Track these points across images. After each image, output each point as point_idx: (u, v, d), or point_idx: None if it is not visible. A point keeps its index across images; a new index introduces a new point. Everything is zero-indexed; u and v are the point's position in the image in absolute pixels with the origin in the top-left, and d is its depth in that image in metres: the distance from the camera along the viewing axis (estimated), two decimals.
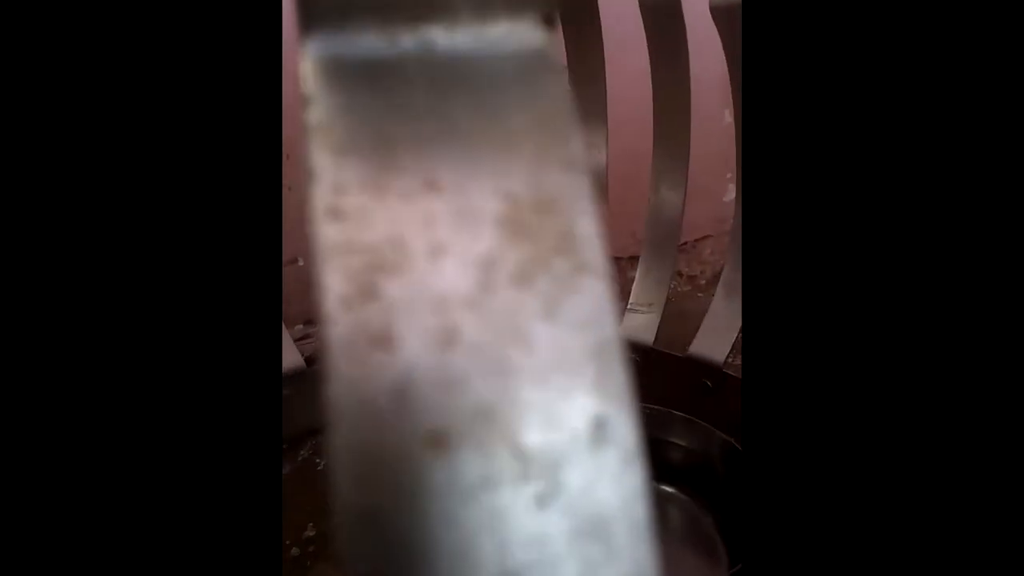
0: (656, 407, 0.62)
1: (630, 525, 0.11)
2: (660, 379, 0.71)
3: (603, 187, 0.75)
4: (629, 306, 0.75)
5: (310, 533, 0.60)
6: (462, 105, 0.12)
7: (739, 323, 0.68)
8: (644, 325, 0.73)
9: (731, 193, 0.72)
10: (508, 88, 0.12)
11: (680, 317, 0.88)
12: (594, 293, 0.11)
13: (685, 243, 0.98)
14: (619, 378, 0.11)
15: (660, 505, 0.61)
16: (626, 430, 0.11)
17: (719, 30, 0.62)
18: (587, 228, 0.12)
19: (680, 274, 0.96)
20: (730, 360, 0.79)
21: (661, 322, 0.81)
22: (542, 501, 0.11)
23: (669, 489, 0.61)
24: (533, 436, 0.11)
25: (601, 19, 0.70)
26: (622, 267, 0.97)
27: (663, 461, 0.61)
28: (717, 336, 0.69)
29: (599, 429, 0.11)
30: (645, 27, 0.68)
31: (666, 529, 0.60)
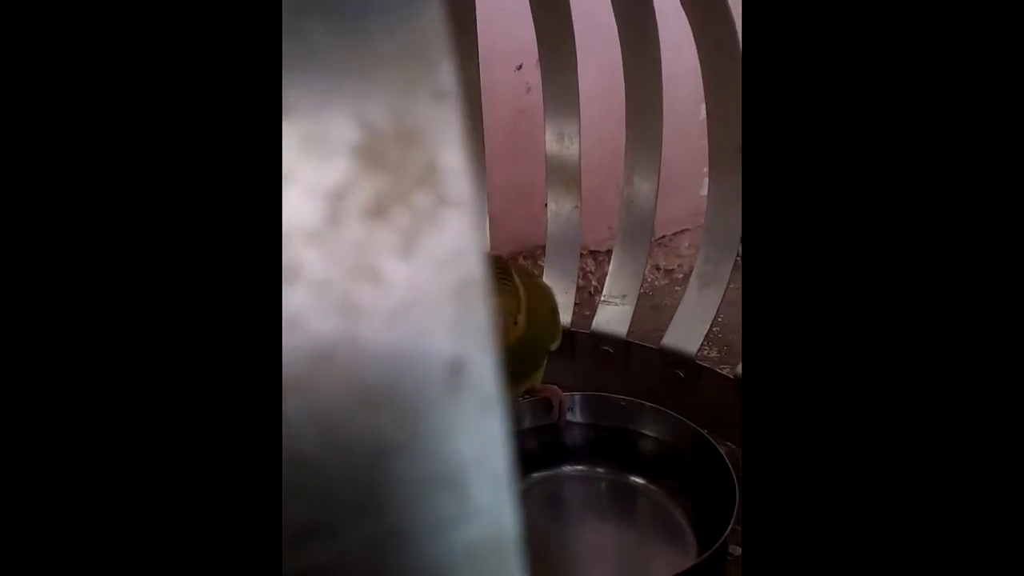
0: (627, 397, 0.62)
1: (488, 477, 0.10)
2: (633, 371, 0.71)
3: (576, 178, 0.75)
4: (603, 298, 0.74)
5: None
6: (322, 29, 0.11)
7: (712, 315, 0.68)
8: (617, 317, 0.72)
9: (707, 187, 0.72)
10: (374, 13, 0.11)
11: (657, 311, 0.87)
12: (457, 229, 0.11)
13: (662, 237, 0.97)
14: (480, 319, 0.10)
15: (630, 495, 0.60)
16: (485, 375, 0.10)
17: (688, 17, 0.62)
18: (453, 161, 0.11)
19: (657, 268, 0.95)
20: (704, 352, 0.78)
21: (638, 315, 0.81)
22: (389, 451, 0.10)
23: (639, 479, 0.61)
24: (379, 380, 0.10)
25: (578, 11, 0.69)
26: (599, 261, 0.96)
27: (633, 451, 0.61)
28: (690, 328, 0.68)
29: (455, 373, 0.10)
30: (615, 12, 0.67)
31: (635, 519, 0.59)
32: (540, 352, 0.56)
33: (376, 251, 0.10)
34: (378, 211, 0.10)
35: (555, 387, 0.60)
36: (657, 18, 0.65)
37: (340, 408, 0.10)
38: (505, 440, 0.10)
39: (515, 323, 0.49)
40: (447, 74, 0.11)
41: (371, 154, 0.11)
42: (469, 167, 0.11)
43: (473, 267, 0.10)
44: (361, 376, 0.10)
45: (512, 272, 0.51)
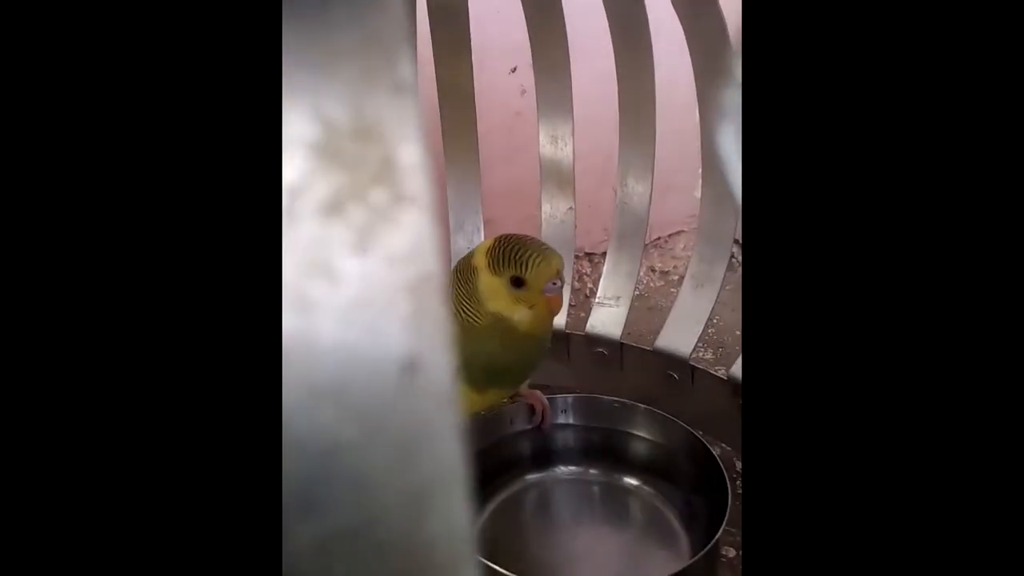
0: (620, 399, 0.61)
1: (443, 479, 0.10)
2: (627, 372, 0.70)
3: (570, 180, 0.75)
4: (597, 299, 0.74)
5: None
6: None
7: (706, 316, 0.68)
8: (612, 319, 0.72)
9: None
10: (333, 6, 0.11)
11: (653, 312, 0.87)
12: (414, 226, 0.10)
13: (658, 239, 0.97)
14: (436, 317, 0.10)
15: (623, 497, 0.60)
16: (441, 373, 0.10)
17: (680, 17, 0.62)
18: (411, 157, 0.11)
19: (653, 270, 0.95)
20: (700, 353, 0.78)
21: (634, 317, 0.81)
22: (344, 448, 0.10)
23: (632, 481, 0.60)
24: (332, 377, 0.10)
25: (570, 12, 0.69)
26: (595, 263, 0.96)
27: (626, 453, 0.61)
28: (684, 329, 0.68)
29: (410, 372, 0.10)
30: (607, 12, 0.67)
31: (628, 521, 0.59)
32: (542, 350, 0.56)
33: (331, 248, 0.10)
34: (334, 208, 0.10)
35: (538, 392, 0.60)
36: (650, 19, 0.65)
37: (291, 405, 0.10)
38: (461, 441, 0.10)
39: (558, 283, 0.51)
40: (406, 67, 0.11)
41: (328, 150, 0.11)
42: (427, 163, 0.11)
43: (429, 265, 0.10)
44: (313, 373, 0.10)
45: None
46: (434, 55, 0.71)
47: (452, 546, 0.10)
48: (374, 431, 0.10)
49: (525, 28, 0.71)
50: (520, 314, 0.51)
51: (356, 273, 0.10)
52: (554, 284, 0.50)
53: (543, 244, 0.51)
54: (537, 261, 0.49)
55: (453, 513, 0.10)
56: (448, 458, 0.10)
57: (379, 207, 0.10)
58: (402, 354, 0.10)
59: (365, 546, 0.09)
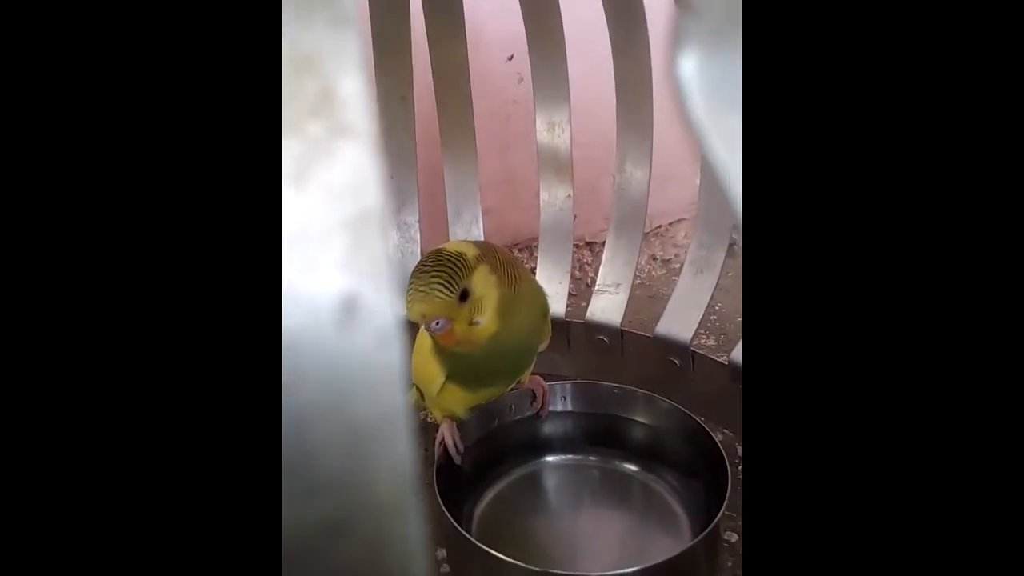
0: (620, 385, 0.61)
1: (382, 416, 0.09)
2: (628, 359, 0.70)
3: (568, 167, 0.74)
4: (597, 287, 0.73)
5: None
6: None
7: (706, 301, 0.67)
8: (612, 306, 0.72)
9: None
10: None
11: (654, 301, 0.86)
12: (353, 160, 0.10)
13: (659, 227, 0.97)
14: (376, 253, 0.10)
15: (623, 483, 0.60)
16: (381, 310, 0.10)
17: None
18: (351, 88, 0.10)
19: (654, 258, 0.95)
20: (702, 340, 0.78)
21: (636, 305, 0.80)
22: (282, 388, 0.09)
23: (632, 467, 0.60)
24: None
25: None
26: (596, 253, 0.95)
27: (626, 439, 0.60)
28: (684, 315, 0.68)
29: (348, 310, 0.09)
30: None
31: (629, 507, 0.58)
32: (528, 352, 0.56)
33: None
34: None
35: (539, 378, 0.60)
36: (646, 2, 0.64)
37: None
38: (402, 380, 0.10)
39: (473, 323, 0.48)
40: (345, 1, 0.11)
41: None
42: (367, 96, 0.10)
43: (369, 200, 0.10)
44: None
45: (475, 266, 0.49)
46: (429, 42, 0.70)
47: (393, 486, 0.09)
48: (310, 369, 0.09)
49: (521, 15, 0.71)
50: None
51: (293, 207, 0.10)
52: (427, 325, 0.48)
53: (428, 279, 0.47)
54: (407, 301, 0.47)
55: (394, 453, 0.09)
56: (388, 397, 0.09)
57: (316, 140, 0.10)
58: (340, 292, 0.10)
59: (300, 484, 0.09)
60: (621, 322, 0.70)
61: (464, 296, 0.48)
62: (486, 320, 0.48)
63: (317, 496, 0.09)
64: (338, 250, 0.10)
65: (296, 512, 0.09)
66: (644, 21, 0.65)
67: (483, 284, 0.48)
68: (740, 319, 0.81)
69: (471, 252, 0.49)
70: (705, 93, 0.14)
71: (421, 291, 0.47)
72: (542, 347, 0.57)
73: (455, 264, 0.48)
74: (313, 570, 0.10)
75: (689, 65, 0.14)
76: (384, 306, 0.10)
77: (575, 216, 0.76)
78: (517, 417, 0.60)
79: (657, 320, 0.69)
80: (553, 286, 0.72)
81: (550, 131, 0.74)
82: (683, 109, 0.14)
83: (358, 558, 0.10)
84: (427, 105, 0.73)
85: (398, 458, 0.09)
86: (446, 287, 0.47)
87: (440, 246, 0.50)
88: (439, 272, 0.47)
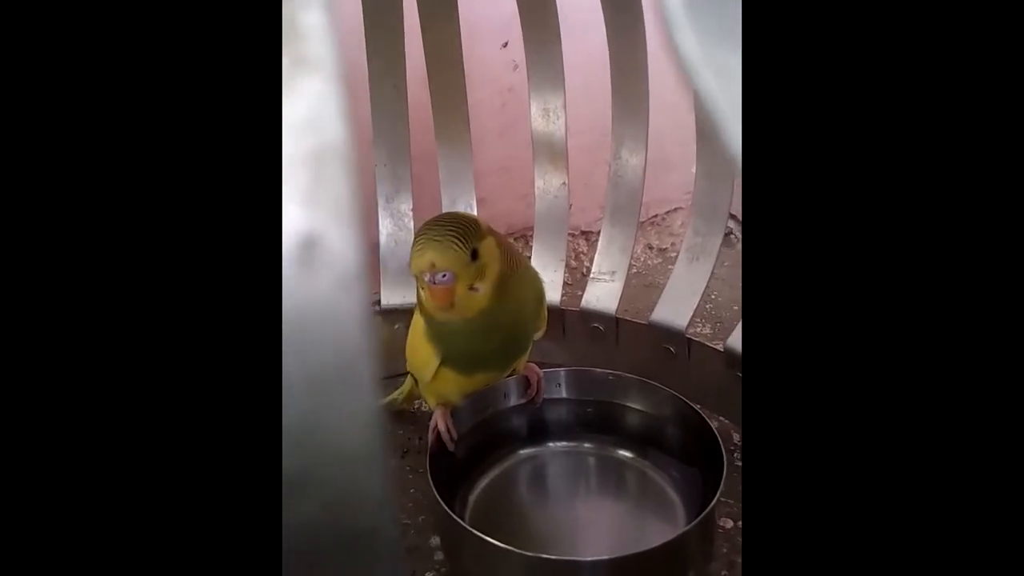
0: (615, 372, 0.60)
1: (345, 359, 0.09)
2: (624, 347, 0.70)
3: (563, 154, 0.73)
4: (592, 275, 0.73)
5: None
6: None
7: (701, 289, 0.67)
8: (607, 294, 0.71)
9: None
10: None
11: (651, 289, 0.86)
12: (313, 92, 0.09)
13: (655, 216, 0.96)
14: (337, 191, 0.09)
15: (619, 469, 0.59)
16: (343, 250, 0.09)
17: None
18: (311, 20, 0.10)
19: (650, 247, 0.94)
20: (698, 328, 0.77)
21: (632, 294, 0.80)
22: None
23: (627, 453, 0.60)
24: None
25: None
26: (592, 242, 0.95)
27: (621, 425, 0.60)
28: (679, 302, 0.67)
29: (307, 248, 0.09)
30: None
31: (625, 493, 0.58)
32: (524, 337, 0.55)
33: None
34: None
35: (534, 365, 0.59)
36: None
37: None
38: (365, 323, 0.09)
39: (472, 288, 0.48)
40: None
41: None
42: (327, 28, 0.10)
43: (330, 134, 0.09)
44: None
45: (486, 234, 0.49)
46: (421, 25, 0.70)
47: (356, 433, 0.09)
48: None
49: (515, 1, 0.70)
50: (426, 299, 0.49)
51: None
52: (431, 277, 0.47)
53: (443, 230, 0.47)
54: (415, 250, 0.47)
55: (356, 399, 0.09)
56: (350, 341, 0.09)
57: None
58: (299, 231, 0.09)
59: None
60: (616, 310, 0.70)
61: (475, 256, 0.47)
62: (484, 289, 0.48)
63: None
64: (297, 187, 0.09)
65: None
66: (640, 7, 0.65)
67: (489, 254, 0.48)
68: (736, 307, 0.81)
69: (482, 222, 0.50)
70: (696, 24, 0.14)
71: (436, 240, 0.47)
72: (538, 335, 0.56)
73: (469, 223, 0.48)
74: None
75: (690, 39, 0.13)
76: (345, 245, 0.09)
77: (571, 205, 0.75)
78: (512, 404, 0.60)
79: (653, 308, 0.69)
80: (548, 274, 0.71)
81: (545, 117, 0.73)
82: (671, 42, 0.14)
83: (320, 517, 0.09)
84: (421, 92, 0.73)
85: (360, 407, 0.09)
86: (461, 240, 0.47)
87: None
88: (455, 227, 0.47)
